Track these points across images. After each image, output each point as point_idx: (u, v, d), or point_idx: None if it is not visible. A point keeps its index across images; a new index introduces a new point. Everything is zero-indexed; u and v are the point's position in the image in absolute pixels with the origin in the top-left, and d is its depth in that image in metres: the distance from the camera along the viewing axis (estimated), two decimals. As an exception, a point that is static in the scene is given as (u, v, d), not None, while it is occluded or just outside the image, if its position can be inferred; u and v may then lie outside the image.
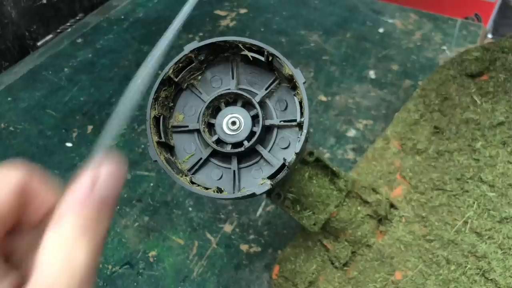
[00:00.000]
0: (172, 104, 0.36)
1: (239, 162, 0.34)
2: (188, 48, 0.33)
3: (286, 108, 0.35)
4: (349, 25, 0.86)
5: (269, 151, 0.34)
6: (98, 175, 0.20)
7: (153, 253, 0.54)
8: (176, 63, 0.33)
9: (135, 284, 0.51)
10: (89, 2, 0.94)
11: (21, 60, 0.82)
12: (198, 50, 0.33)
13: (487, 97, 0.49)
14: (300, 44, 0.82)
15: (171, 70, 0.33)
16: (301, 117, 0.33)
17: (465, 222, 0.44)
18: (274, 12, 0.91)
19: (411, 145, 0.53)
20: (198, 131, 0.35)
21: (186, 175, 0.33)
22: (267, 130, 0.35)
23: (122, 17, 0.90)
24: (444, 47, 0.80)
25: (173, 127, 0.35)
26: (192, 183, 0.33)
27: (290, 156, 0.32)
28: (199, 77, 0.36)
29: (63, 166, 0.63)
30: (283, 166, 0.32)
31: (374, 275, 0.44)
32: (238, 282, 0.51)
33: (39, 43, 0.86)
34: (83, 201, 0.19)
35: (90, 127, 0.69)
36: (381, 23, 0.87)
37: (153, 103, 0.33)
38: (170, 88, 0.35)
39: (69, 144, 0.66)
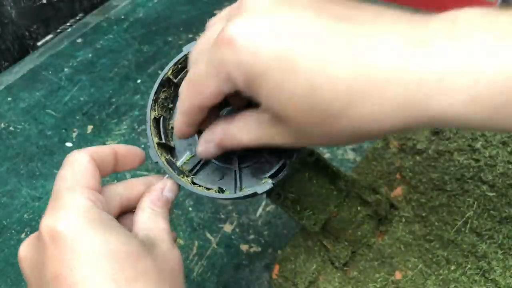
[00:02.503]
0: (172, 105, 0.36)
1: (240, 162, 0.34)
2: (187, 49, 0.33)
3: None
4: (349, 25, 0.86)
5: (270, 151, 0.34)
6: (166, 184, 0.33)
7: (153, 253, 0.54)
8: (175, 64, 0.33)
9: (135, 284, 0.51)
10: (89, 2, 0.94)
11: (21, 60, 0.82)
12: None
13: (487, 97, 0.49)
14: (300, 44, 0.82)
15: (170, 71, 0.33)
16: None
17: (465, 222, 0.44)
18: (274, 12, 0.91)
19: (411, 145, 0.53)
20: (198, 131, 0.35)
21: (187, 176, 0.34)
22: None
23: (122, 17, 0.90)
24: (444, 47, 0.80)
25: (173, 128, 0.35)
26: (194, 183, 0.33)
27: (291, 155, 0.32)
28: None
29: (63, 166, 0.63)
30: (284, 164, 0.32)
31: (374, 275, 0.44)
32: (238, 282, 0.51)
33: (39, 43, 0.86)
34: (155, 201, 0.32)
35: (90, 127, 0.69)
36: (381, 23, 0.87)
37: (152, 105, 0.33)
38: (170, 89, 0.35)
39: (69, 144, 0.66)
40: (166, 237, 0.30)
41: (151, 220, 0.31)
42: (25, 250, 0.29)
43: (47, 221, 0.27)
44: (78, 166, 0.30)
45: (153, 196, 0.32)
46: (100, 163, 0.31)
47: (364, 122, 0.24)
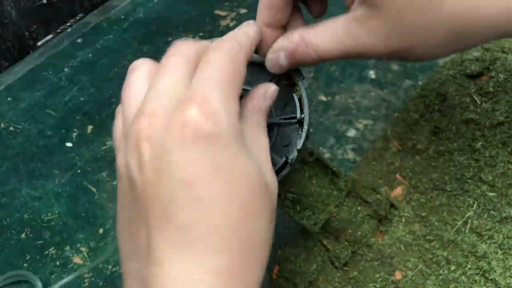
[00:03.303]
0: None
1: None
2: None
3: (285, 106, 0.35)
4: (349, 25, 0.86)
5: (270, 149, 0.34)
6: (267, 89, 0.29)
7: (153, 253, 0.54)
8: None
9: (135, 284, 0.51)
10: (89, 2, 0.93)
11: (21, 60, 0.82)
12: None
13: (487, 97, 0.49)
14: (300, 44, 0.82)
15: None
16: (301, 114, 0.33)
17: (465, 222, 0.44)
18: (274, 12, 0.91)
19: (411, 145, 0.53)
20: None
21: None
22: (267, 128, 0.35)
23: (122, 17, 0.90)
24: (444, 47, 0.80)
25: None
26: None
27: (291, 153, 0.32)
28: None
29: (63, 166, 0.63)
30: (285, 163, 0.32)
31: (374, 275, 0.45)
32: (238, 282, 0.51)
33: (39, 43, 0.86)
34: (257, 109, 0.28)
35: (90, 127, 0.69)
36: (381, 23, 0.87)
37: None
38: None
39: (69, 144, 0.66)
40: (268, 159, 0.27)
41: (254, 132, 0.27)
42: (148, 131, 0.22)
43: (198, 118, 0.21)
44: (239, 73, 0.25)
45: (256, 103, 0.28)
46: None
47: (465, 7, 0.23)
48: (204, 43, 0.29)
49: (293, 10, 0.30)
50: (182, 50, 0.27)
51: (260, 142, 0.27)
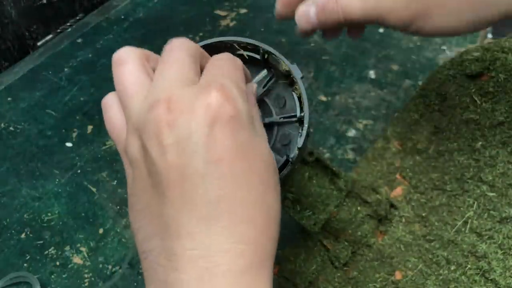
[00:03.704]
0: None
1: None
2: None
3: (284, 105, 0.35)
4: (349, 25, 0.86)
5: (270, 148, 0.34)
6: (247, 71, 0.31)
7: (153, 253, 0.54)
8: None
9: (135, 284, 0.51)
10: (89, 2, 0.93)
11: (21, 60, 0.82)
12: None
13: (487, 97, 0.49)
14: (300, 44, 0.82)
15: None
16: (301, 112, 0.33)
17: (465, 222, 0.44)
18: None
19: (411, 145, 0.53)
20: None
21: None
22: (267, 127, 0.35)
23: (122, 17, 0.90)
24: (444, 47, 0.80)
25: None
26: None
27: (292, 151, 0.32)
28: None
29: (63, 166, 0.63)
30: (286, 162, 0.32)
31: (374, 275, 0.44)
32: (238, 282, 0.51)
33: (39, 43, 0.86)
34: (252, 93, 0.31)
35: (90, 127, 0.69)
36: (381, 23, 0.87)
37: None
38: None
39: (69, 144, 0.66)
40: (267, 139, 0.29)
41: (257, 115, 0.29)
42: (168, 117, 0.23)
43: (222, 102, 0.23)
44: (242, 68, 0.29)
45: (251, 88, 0.30)
46: None
47: None
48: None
49: None
50: (185, 44, 0.29)
51: (261, 123, 0.29)
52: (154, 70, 0.28)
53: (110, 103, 0.29)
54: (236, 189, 0.23)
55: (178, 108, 0.23)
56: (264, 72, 0.34)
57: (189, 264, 0.23)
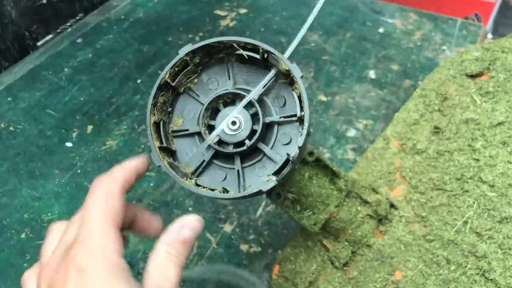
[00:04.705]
0: (170, 109, 0.36)
1: (242, 162, 0.34)
2: (183, 51, 0.33)
3: (284, 104, 0.35)
4: (349, 25, 0.86)
5: (271, 148, 0.34)
6: (184, 223, 0.30)
7: (153, 253, 0.54)
8: (172, 67, 0.34)
9: (135, 284, 0.51)
10: (89, 2, 0.94)
11: (21, 60, 0.82)
12: (193, 52, 0.34)
13: (487, 97, 0.49)
14: (300, 44, 0.82)
15: (167, 75, 0.33)
16: (301, 111, 0.33)
17: (465, 222, 0.44)
18: (274, 12, 0.91)
19: (411, 145, 0.53)
20: (198, 134, 0.35)
21: (190, 179, 0.34)
22: (268, 127, 0.35)
23: (122, 17, 0.90)
24: (444, 47, 0.80)
25: (173, 131, 0.35)
26: (198, 185, 0.33)
27: (293, 151, 0.32)
28: (195, 80, 0.36)
29: (63, 166, 0.63)
30: (287, 161, 0.32)
31: (374, 275, 0.44)
32: (238, 282, 0.51)
33: (39, 43, 0.86)
34: (171, 242, 0.29)
35: (90, 127, 0.69)
36: (381, 23, 0.87)
37: (152, 109, 0.33)
38: (168, 93, 0.35)
39: (69, 144, 0.66)
40: None
41: (160, 266, 0.29)
42: (44, 276, 0.28)
43: (79, 255, 0.26)
44: (112, 201, 0.29)
45: (169, 237, 0.30)
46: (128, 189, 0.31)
47: None
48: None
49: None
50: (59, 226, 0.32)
51: (164, 274, 0.29)
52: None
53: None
54: None
55: (49, 270, 0.28)
56: (273, 72, 0.34)
57: None
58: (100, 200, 0.28)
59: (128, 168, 0.31)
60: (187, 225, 0.30)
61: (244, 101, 0.33)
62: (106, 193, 0.29)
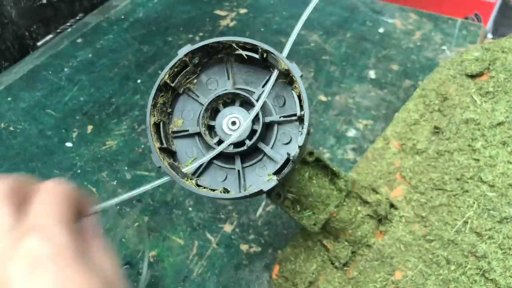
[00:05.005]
0: (170, 109, 0.36)
1: (242, 162, 0.34)
2: (182, 52, 0.33)
3: (284, 104, 0.35)
4: (349, 25, 0.86)
5: (271, 148, 0.34)
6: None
7: (153, 253, 0.54)
8: (171, 68, 0.33)
9: (135, 284, 0.51)
10: (89, 2, 0.94)
11: (21, 60, 0.82)
12: (192, 53, 0.33)
13: (487, 97, 0.49)
14: (300, 44, 0.82)
15: (167, 76, 0.33)
16: (301, 110, 0.33)
17: (465, 222, 0.44)
18: (274, 12, 0.91)
19: (411, 145, 0.53)
20: (198, 134, 0.35)
21: (191, 179, 0.34)
22: (268, 127, 0.35)
23: (122, 17, 0.90)
24: (444, 47, 0.80)
25: (173, 132, 0.35)
26: (198, 186, 0.33)
27: (293, 150, 0.32)
28: (195, 80, 0.36)
29: (63, 166, 0.63)
30: (287, 160, 0.32)
31: (374, 275, 0.44)
32: (238, 282, 0.51)
33: (39, 43, 0.86)
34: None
35: (90, 127, 0.69)
36: (381, 23, 0.87)
37: (151, 110, 0.33)
38: (167, 94, 0.35)
39: (69, 144, 0.66)
40: (115, 267, 0.29)
41: (98, 246, 0.30)
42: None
43: (40, 246, 0.25)
44: (70, 201, 0.29)
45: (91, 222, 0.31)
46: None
47: None
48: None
49: None
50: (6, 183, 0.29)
51: (104, 254, 0.30)
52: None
53: None
54: None
55: None
56: (275, 73, 0.34)
57: None
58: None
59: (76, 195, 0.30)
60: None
61: (254, 112, 0.33)
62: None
